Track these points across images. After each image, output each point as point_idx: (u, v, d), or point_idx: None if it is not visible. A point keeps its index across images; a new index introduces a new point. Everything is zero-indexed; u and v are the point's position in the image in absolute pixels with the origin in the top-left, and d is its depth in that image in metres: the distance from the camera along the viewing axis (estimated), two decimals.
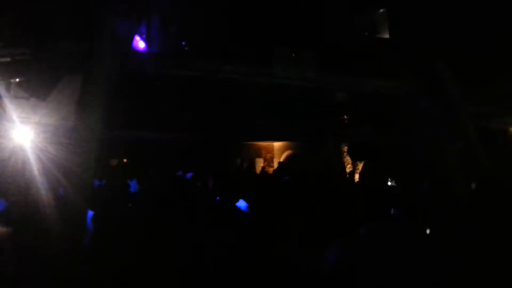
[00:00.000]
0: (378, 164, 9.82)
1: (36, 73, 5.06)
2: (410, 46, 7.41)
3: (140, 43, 5.65)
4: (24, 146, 7.63)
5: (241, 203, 5.78)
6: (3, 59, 4.41)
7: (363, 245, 2.52)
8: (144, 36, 5.77)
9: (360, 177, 10.34)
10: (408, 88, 6.41)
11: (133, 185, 9.35)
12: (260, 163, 14.07)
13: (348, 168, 10.91)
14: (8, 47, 4.35)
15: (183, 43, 6.38)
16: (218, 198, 5.59)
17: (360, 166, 10.77)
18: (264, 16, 6.32)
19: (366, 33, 8.45)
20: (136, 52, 5.38)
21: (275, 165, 13.44)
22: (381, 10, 9.18)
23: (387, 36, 9.21)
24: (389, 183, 6.82)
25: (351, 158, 10.48)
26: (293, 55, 5.21)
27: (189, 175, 9.85)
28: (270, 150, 14.36)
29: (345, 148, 10.95)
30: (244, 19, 6.33)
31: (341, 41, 6.88)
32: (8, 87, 5.87)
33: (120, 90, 5.99)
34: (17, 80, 5.36)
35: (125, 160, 12.70)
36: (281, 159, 13.60)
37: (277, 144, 14.20)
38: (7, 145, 8.59)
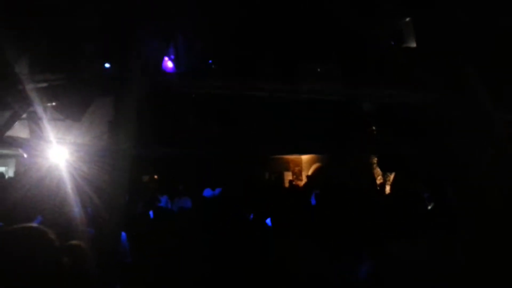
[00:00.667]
0: (409, 174, 9.62)
1: (71, 96, 5.29)
2: (438, 55, 7.30)
3: (168, 64, 5.82)
4: (60, 165, 7.94)
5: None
6: (40, 85, 4.64)
7: (395, 264, 2.51)
8: (172, 56, 5.94)
9: (391, 189, 10.15)
10: (437, 98, 6.29)
11: (163, 201, 9.53)
12: (288, 177, 14.03)
13: (379, 180, 10.74)
14: (44, 73, 4.58)
15: (210, 61, 6.52)
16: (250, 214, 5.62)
17: (391, 177, 10.58)
18: (288, 31, 6.39)
19: (392, 43, 8.37)
20: (165, 72, 5.54)
21: (304, 178, 13.38)
22: (407, 19, 9.10)
23: (413, 45, 9.10)
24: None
25: (381, 169, 10.32)
26: (319, 70, 5.24)
27: (218, 190, 9.95)
28: (298, 163, 14.32)
29: (375, 160, 10.80)
30: (269, 35, 6.42)
31: (366, 52, 6.86)
32: (45, 110, 6.17)
33: (150, 109, 6.17)
34: (54, 103, 5.62)
35: (156, 177, 12.96)
36: (309, 172, 13.53)
37: (305, 157, 14.15)
38: (44, 164, 8.94)
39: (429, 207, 5.25)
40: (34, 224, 1.87)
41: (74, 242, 2.37)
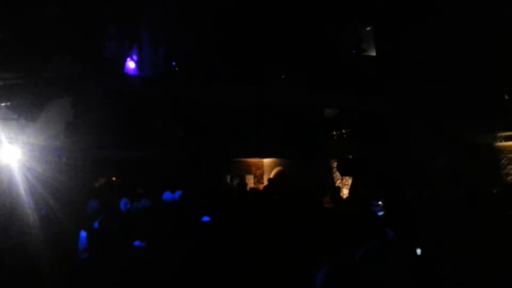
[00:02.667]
0: (367, 179, 9.91)
1: (26, 95, 5.07)
2: (395, 63, 7.59)
3: (131, 64, 5.69)
4: (11, 166, 7.57)
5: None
6: None
7: (359, 269, 2.60)
8: (135, 58, 5.82)
9: (349, 192, 10.41)
10: (394, 105, 6.55)
11: (122, 204, 9.28)
12: (250, 180, 14.07)
13: (338, 184, 10.99)
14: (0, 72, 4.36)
15: (173, 63, 6.44)
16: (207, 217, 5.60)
17: (349, 181, 10.85)
18: (254, 37, 6.44)
19: (353, 51, 8.63)
20: (128, 74, 5.42)
21: (265, 181, 13.47)
22: (368, 28, 9.41)
23: (373, 53, 9.42)
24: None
25: (340, 173, 10.56)
26: (283, 76, 5.31)
27: (178, 193, 9.81)
28: (260, 167, 14.40)
29: (334, 164, 11.04)
30: (235, 42, 6.44)
31: (329, 60, 7.02)
32: None
33: (110, 110, 6.01)
34: (8, 103, 5.36)
35: (114, 179, 12.60)
36: (271, 176, 13.64)
37: (267, 161, 14.24)
38: None
39: (383, 211, 5.44)
40: None
41: (17, 243, 2.27)
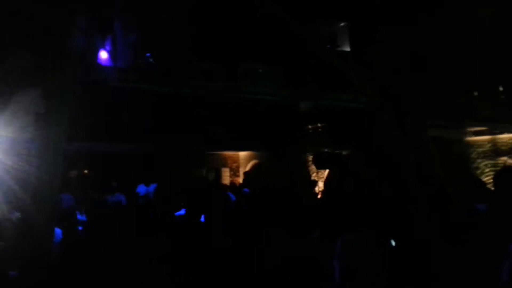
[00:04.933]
0: (342, 172, 10.06)
1: None
2: (369, 59, 7.69)
3: (103, 55, 5.57)
4: None
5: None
6: None
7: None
8: (108, 48, 5.70)
9: (324, 185, 10.55)
10: (368, 101, 6.64)
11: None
12: (226, 173, 14.07)
13: (313, 177, 11.12)
14: None
15: (147, 54, 6.34)
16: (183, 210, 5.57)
17: (324, 174, 10.99)
18: (231, 31, 6.40)
19: (328, 46, 8.69)
20: (100, 65, 5.30)
21: (241, 174, 13.48)
22: (342, 24, 9.50)
23: (348, 49, 9.53)
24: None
25: (316, 166, 10.69)
26: (260, 70, 5.30)
27: (152, 186, 9.72)
28: (236, 160, 14.40)
29: (310, 157, 11.15)
30: (209, 35, 6.39)
31: (304, 55, 7.05)
32: None
33: (81, 102, 5.86)
34: None
35: (86, 172, 12.36)
36: (247, 169, 13.66)
37: (242, 154, 14.25)
38: None
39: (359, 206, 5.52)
40: None
41: None
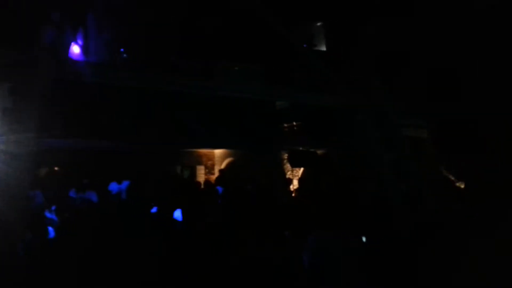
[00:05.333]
0: (316, 171, 10.16)
1: None
2: (345, 59, 7.77)
3: (75, 49, 5.41)
4: None
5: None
6: None
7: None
8: (80, 42, 5.53)
9: (299, 183, 10.62)
10: (344, 101, 6.69)
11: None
12: (200, 171, 13.97)
13: (288, 175, 11.17)
14: None
15: (121, 49, 6.20)
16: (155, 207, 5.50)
17: (299, 172, 11.06)
18: (208, 28, 6.34)
19: (304, 45, 8.72)
20: (72, 60, 5.15)
21: (216, 172, 13.41)
22: (319, 24, 9.55)
23: (324, 49, 9.59)
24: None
25: (291, 165, 10.74)
26: (236, 68, 5.27)
27: (124, 184, 9.54)
28: (211, 157, 14.31)
29: (285, 156, 11.20)
30: (188, 31, 6.30)
31: (282, 54, 7.06)
32: None
33: (52, 98, 5.68)
34: None
35: (56, 169, 12.02)
36: (222, 167, 13.61)
37: (218, 152, 14.18)
38: None
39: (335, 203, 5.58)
40: None
41: None
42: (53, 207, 6.32)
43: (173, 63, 5.86)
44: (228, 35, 6.25)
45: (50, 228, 5.00)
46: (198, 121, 9.71)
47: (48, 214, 6.13)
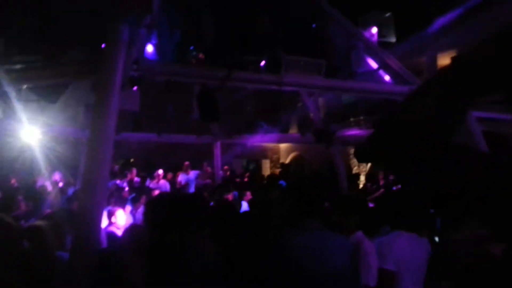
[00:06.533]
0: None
1: (46, 78, 5.14)
2: (415, 50, 7.43)
3: (149, 48, 5.71)
4: (32, 145, 7.76)
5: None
6: (17, 66, 4.49)
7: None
8: (153, 41, 5.83)
9: (366, 179, 10.37)
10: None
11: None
12: (266, 164, 14.11)
13: (355, 170, 10.94)
14: (22, 55, 4.42)
15: (191, 48, 6.43)
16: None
17: (367, 167, 10.80)
18: (272, 24, 6.36)
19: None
20: (147, 58, 5.44)
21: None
22: (387, 14, 9.20)
23: (393, 40, 9.24)
24: None
25: (357, 159, 10.49)
26: (301, 62, 5.25)
27: (192, 173, 9.93)
28: (277, 151, 14.40)
29: (351, 150, 10.98)
30: (253, 27, 6.37)
31: (348, 46, 6.91)
32: (19, 92, 5.99)
33: (129, 93, 6.07)
34: (29, 85, 5.45)
35: (132, 160, 12.80)
36: (287, 161, 13.65)
37: (283, 145, 14.23)
38: (16, 144, 8.71)
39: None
40: None
41: (34, 223, 2.31)
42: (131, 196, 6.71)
43: (241, 58, 5.97)
44: (292, 29, 6.23)
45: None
46: (264, 115, 9.82)
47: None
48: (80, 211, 3.81)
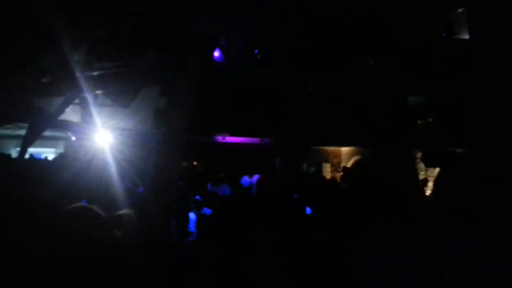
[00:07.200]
0: (455, 171, 9.30)
1: (120, 84, 5.44)
2: (492, 47, 6.95)
3: (218, 53, 5.85)
4: (105, 148, 8.24)
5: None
6: (94, 72, 4.79)
7: None
8: (222, 46, 5.97)
9: (435, 185, 9.86)
10: (488, 92, 6.01)
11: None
12: (327, 168, 13.91)
13: (422, 175, 10.46)
14: (100, 62, 4.71)
15: (256, 51, 6.50)
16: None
17: (434, 172, 10.27)
18: (338, 23, 6.27)
19: (444, 35, 8.04)
20: (216, 62, 5.58)
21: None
22: (460, 10, 8.71)
23: (466, 37, 8.72)
24: None
25: (425, 165, 10.02)
26: (371, 62, 5.11)
27: (255, 177, 9.99)
28: (338, 155, 14.15)
29: (419, 154, 10.50)
30: (317, 28, 6.32)
31: (416, 44, 6.63)
32: (95, 96, 6.41)
33: (196, 98, 6.24)
34: (104, 91, 5.81)
35: (195, 163, 13.16)
36: (348, 165, 13.34)
37: (345, 149, 13.95)
38: (91, 147, 9.29)
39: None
40: (83, 203, 1.92)
41: (122, 212, 2.40)
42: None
43: (307, 59, 5.93)
44: (362, 27, 6.09)
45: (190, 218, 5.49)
46: (325, 117, 9.68)
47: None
48: (149, 213, 3.97)
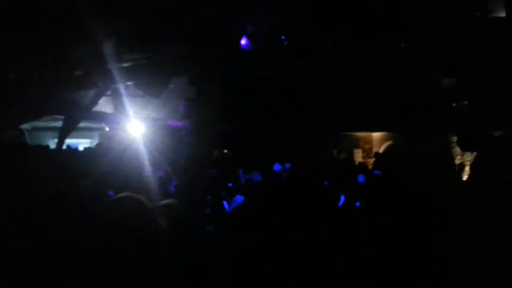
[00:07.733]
0: (493, 155, 8.99)
1: (151, 74, 5.54)
2: None
3: (244, 41, 5.85)
4: (137, 138, 8.43)
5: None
6: (125, 64, 4.90)
7: None
8: (249, 35, 5.96)
9: (471, 170, 9.56)
10: None
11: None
12: (358, 154, 13.73)
13: (458, 160, 10.17)
14: (132, 53, 4.82)
15: (283, 37, 6.46)
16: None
17: (472, 157, 9.95)
18: (367, 8, 6.12)
19: (478, 13, 7.72)
20: (243, 51, 5.59)
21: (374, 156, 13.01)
22: None
23: (503, 15, 8.33)
24: None
25: (462, 149, 9.73)
26: (402, 44, 4.98)
27: (287, 165, 10.00)
28: (369, 141, 13.92)
29: (454, 139, 10.20)
30: (337, 15, 6.19)
31: (445, 26, 6.39)
32: (127, 87, 6.55)
33: (224, 87, 6.28)
34: (135, 81, 5.94)
35: (225, 151, 13.28)
36: (380, 151, 13.12)
37: (376, 135, 13.70)
38: (125, 137, 9.53)
39: None
40: (129, 193, 1.96)
41: (166, 201, 2.46)
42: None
43: (333, 46, 5.85)
44: (387, 11, 5.92)
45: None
46: (356, 103, 9.53)
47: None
48: (183, 202, 4.06)
